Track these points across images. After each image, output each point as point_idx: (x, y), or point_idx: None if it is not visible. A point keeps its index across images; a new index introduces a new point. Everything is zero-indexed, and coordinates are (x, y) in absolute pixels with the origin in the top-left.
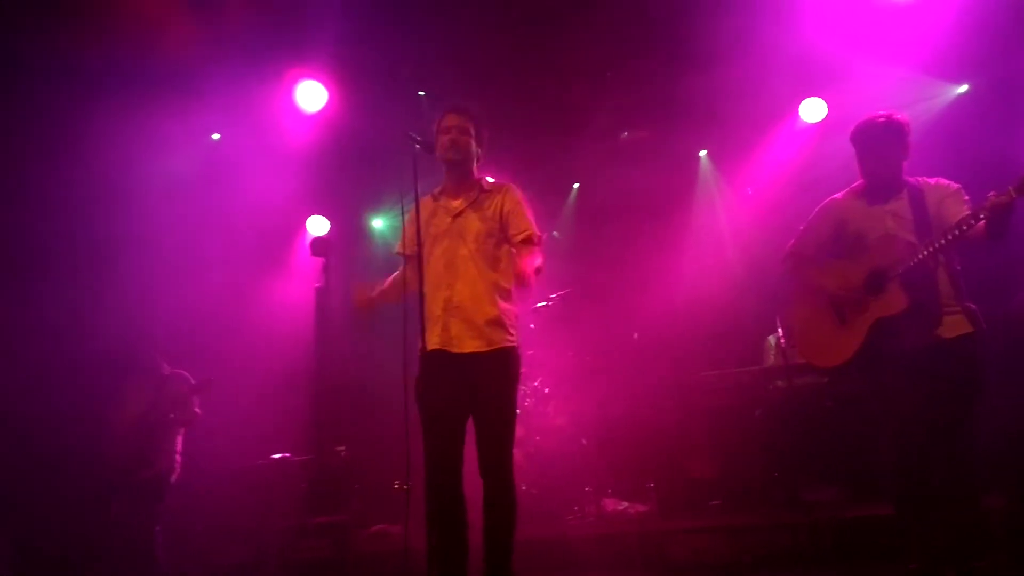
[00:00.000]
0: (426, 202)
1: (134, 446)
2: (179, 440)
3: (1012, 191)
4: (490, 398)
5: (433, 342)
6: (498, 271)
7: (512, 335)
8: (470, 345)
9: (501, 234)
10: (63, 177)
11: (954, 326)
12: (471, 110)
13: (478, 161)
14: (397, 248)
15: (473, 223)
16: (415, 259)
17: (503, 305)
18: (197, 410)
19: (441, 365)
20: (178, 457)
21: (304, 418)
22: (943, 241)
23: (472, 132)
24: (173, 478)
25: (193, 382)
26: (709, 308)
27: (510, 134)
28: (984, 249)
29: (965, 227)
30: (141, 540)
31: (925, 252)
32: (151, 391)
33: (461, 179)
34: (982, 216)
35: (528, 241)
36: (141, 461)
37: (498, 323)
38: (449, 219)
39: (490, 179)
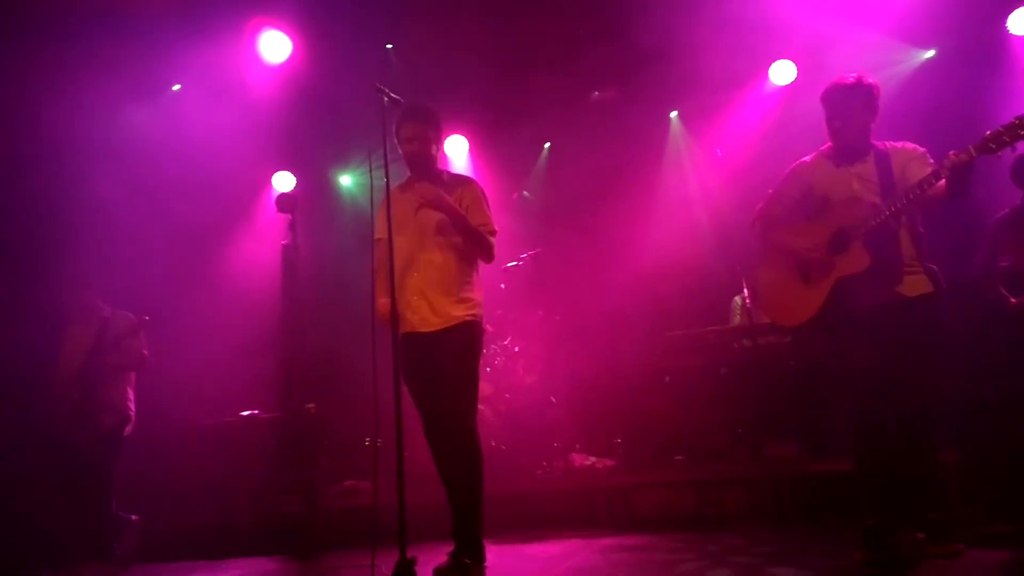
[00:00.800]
0: (394, 192)
1: (77, 400)
2: (129, 389)
3: (972, 150)
4: (452, 365)
5: (406, 326)
6: (458, 257)
7: (474, 310)
8: (434, 324)
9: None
10: (16, 132)
11: (916, 285)
12: (426, 114)
13: (438, 151)
14: (376, 234)
15: (432, 214)
16: (385, 242)
17: (464, 287)
18: (145, 352)
19: (414, 346)
20: (131, 405)
21: (273, 375)
22: (905, 200)
23: (430, 135)
24: (128, 430)
25: (135, 320)
26: (678, 268)
27: (481, 93)
28: (944, 209)
29: (926, 185)
30: (96, 510)
31: (888, 212)
32: (91, 337)
33: (423, 173)
34: (943, 174)
35: (486, 233)
36: (86, 416)
37: (460, 301)
38: (412, 211)
39: (452, 172)
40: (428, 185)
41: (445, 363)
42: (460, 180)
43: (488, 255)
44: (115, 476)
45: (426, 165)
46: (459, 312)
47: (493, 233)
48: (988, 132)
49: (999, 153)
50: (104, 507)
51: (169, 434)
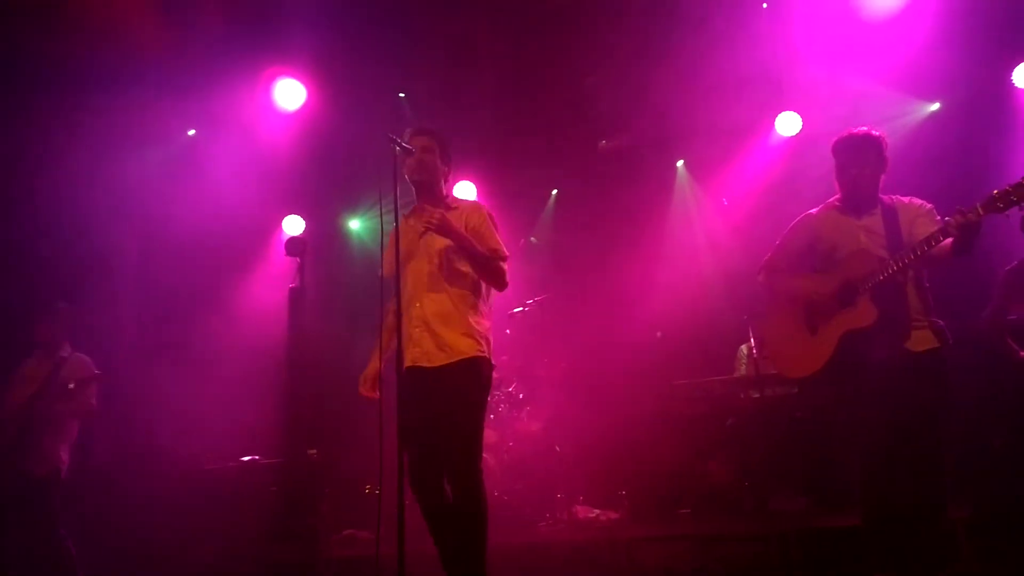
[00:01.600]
0: (401, 221)
1: (12, 436)
2: (65, 441)
3: (979, 208)
4: (456, 406)
5: (408, 359)
6: (465, 286)
7: (481, 344)
8: (439, 359)
9: None
10: (32, 173)
11: (922, 340)
12: (434, 130)
13: (446, 180)
14: (384, 271)
15: (438, 240)
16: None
17: (471, 319)
18: (93, 402)
19: (416, 382)
20: (64, 456)
21: (276, 420)
22: (912, 256)
23: (436, 151)
24: (61, 476)
25: (95, 370)
26: (683, 317)
27: (490, 140)
28: (951, 265)
29: (933, 242)
30: (44, 550)
31: (895, 267)
32: (42, 377)
33: (428, 198)
34: (950, 233)
35: (496, 258)
36: (18, 454)
37: (466, 335)
38: (416, 237)
39: (458, 197)
40: (434, 210)
41: (450, 402)
42: (467, 204)
43: (500, 282)
44: (62, 516)
45: (431, 182)
46: (465, 346)
47: (504, 258)
48: (995, 191)
49: (1007, 212)
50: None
51: (169, 477)
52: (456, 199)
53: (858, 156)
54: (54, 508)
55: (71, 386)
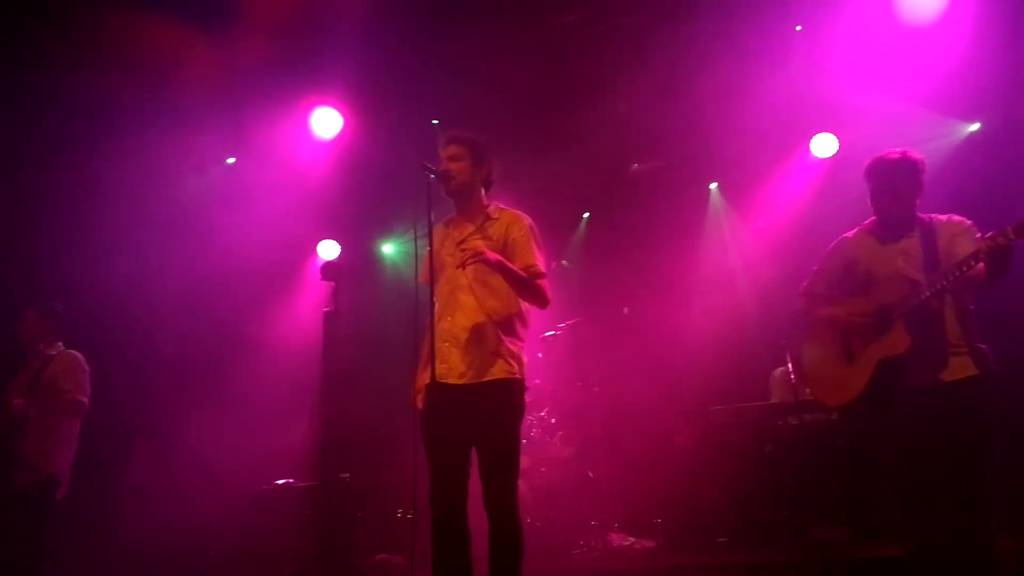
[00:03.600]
0: (438, 230)
1: None
2: (57, 443)
3: (1010, 232)
4: (489, 430)
5: (435, 374)
6: (499, 300)
7: (513, 366)
8: (468, 376)
9: (507, 258)
10: (82, 200)
11: (958, 368)
12: (465, 136)
13: (487, 187)
14: (421, 278)
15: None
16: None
17: (503, 336)
18: (83, 399)
19: (442, 397)
20: (57, 463)
21: (310, 443)
22: (945, 281)
23: (467, 158)
24: (59, 492)
25: (86, 366)
26: (719, 341)
27: (522, 163)
28: (989, 288)
29: (965, 267)
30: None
31: (928, 292)
32: (26, 377)
33: (466, 206)
34: (980, 257)
35: (532, 277)
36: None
37: (496, 354)
38: (453, 247)
39: (501, 206)
40: (474, 242)
41: (480, 427)
42: (509, 215)
43: (540, 301)
44: (48, 545)
45: (466, 190)
46: (495, 367)
47: (541, 276)
48: None
49: None
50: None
51: (205, 500)
52: (499, 208)
53: (891, 182)
54: (37, 523)
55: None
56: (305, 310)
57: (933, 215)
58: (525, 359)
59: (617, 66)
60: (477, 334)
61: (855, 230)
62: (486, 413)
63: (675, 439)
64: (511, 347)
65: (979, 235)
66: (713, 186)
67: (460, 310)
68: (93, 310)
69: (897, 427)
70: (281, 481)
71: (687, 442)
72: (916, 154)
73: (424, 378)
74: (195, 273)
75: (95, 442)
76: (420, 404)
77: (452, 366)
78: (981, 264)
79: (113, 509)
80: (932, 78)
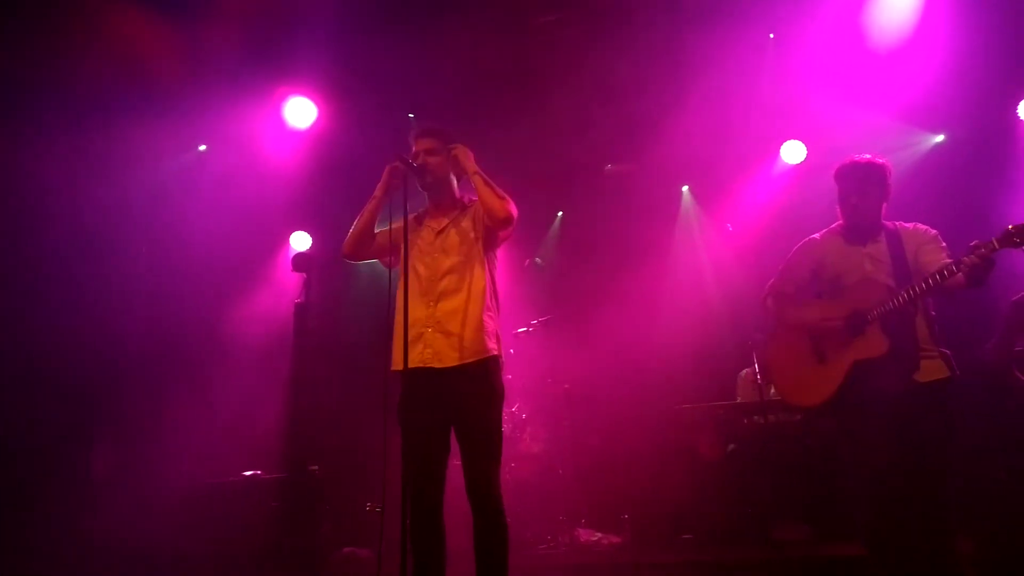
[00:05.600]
0: (412, 222)
1: None
2: None
3: (995, 243)
4: (472, 410)
5: (414, 360)
6: (479, 284)
7: (493, 345)
8: (451, 359)
9: (482, 243)
10: (46, 186)
11: (931, 370)
12: (439, 130)
13: (459, 179)
14: (397, 267)
15: (454, 237)
16: (398, 259)
17: (484, 317)
18: None
19: (422, 383)
20: None
21: (279, 435)
22: (923, 286)
23: (440, 151)
24: None
25: None
26: (688, 340)
27: (496, 160)
28: (959, 295)
29: (946, 274)
30: None
31: (905, 296)
32: None
33: (442, 200)
34: (962, 268)
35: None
36: None
37: (479, 333)
38: (432, 236)
39: (474, 198)
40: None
41: (466, 405)
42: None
43: (507, 207)
44: None
45: (440, 183)
46: (481, 345)
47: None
48: (1011, 226)
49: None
50: None
51: (170, 491)
52: (472, 200)
53: (859, 184)
54: None
55: None
56: (276, 301)
57: (899, 222)
58: (501, 337)
59: (592, 67)
60: (461, 317)
61: (822, 232)
62: (469, 395)
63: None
64: (490, 324)
65: (944, 244)
66: (685, 189)
67: (443, 295)
68: (56, 300)
69: (866, 427)
70: (248, 473)
71: (654, 440)
72: (883, 160)
73: (399, 364)
74: (163, 263)
75: (58, 433)
76: (396, 392)
77: (436, 350)
78: (962, 275)
79: (75, 501)
80: (900, 90)
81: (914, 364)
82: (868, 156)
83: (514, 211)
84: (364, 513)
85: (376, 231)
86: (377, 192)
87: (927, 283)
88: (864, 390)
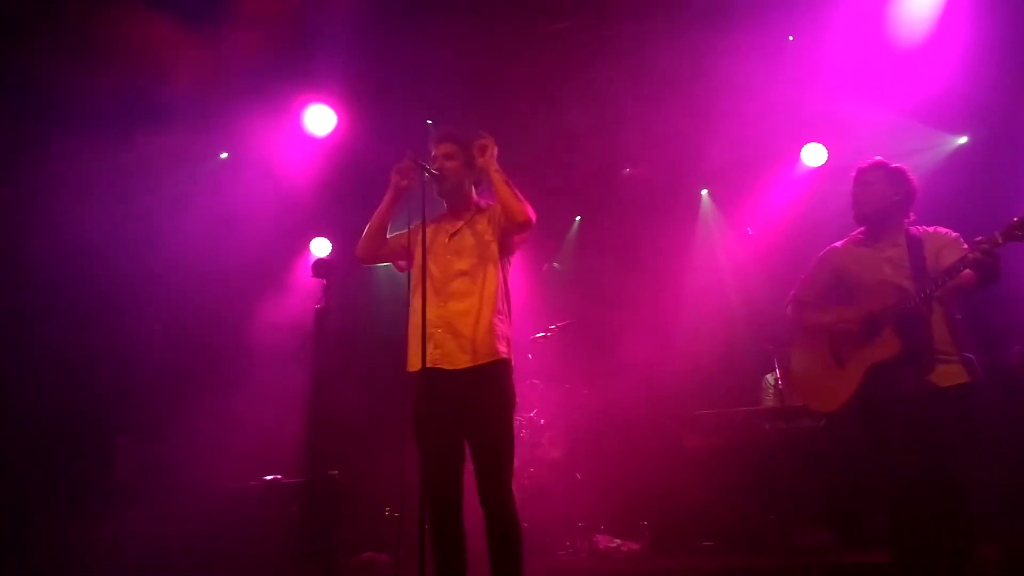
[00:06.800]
0: (429, 226)
1: None
2: None
3: (999, 236)
4: (483, 413)
5: (427, 360)
6: (491, 288)
7: (504, 348)
8: (462, 361)
9: (497, 246)
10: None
11: (950, 375)
12: (457, 135)
13: (476, 185)
14: (412, 267)
15: (468, 239)
16: (412, 262)
17: (495, 320)
18: None
19: (435, 384)
20: None
21: (299, 440)
22: (933, 286)
23: (458, 156)
24: None
25: None
26: (707, 345)
27: (515, 164)
28: (977, 295)
29: (954, 272)
30: None
31: (917, 297)
32: None
33: (457, 203)
34: (968, 263)
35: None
36: None
37: (489, 336)
38: (446, 238)
39: (490, 202)
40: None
41: (476, 408)
42: (496, 207)
43: (526, 210)
44: None
45: (457, 188)
46: (491, 348)
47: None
48: (1015, 219)
49: None
50: None
51: (191, 495)
52: (488, 203)
53: (863, 175)
54: None
55: None
56: (296, 307)
57: (920, 226)
58: (512, 335)
59: (611, 71)
60: (471, 319)
61: (844, 241)
62: (479, 398)
63: (662, 443)
64: (500, 327)
65: (966, 246)
66: (704, 192)
67: (454, 296)
68: (81, 306)
69: (885, 432)
70: (269, 477)
71: (674, 446)
72: (898, 164)
73: (415, 365)
74: (185, 269)
75: (81, 438)
76: (412, 394)
77: (446, 351)
78: (970, 271)
79: (99, 503)
80: (921, 91)
81: (927, 366)
82: (882, 159)
83: (532, 215)
84: (383, 518)
85: (391, 235)
86: (388, 194)
87: (938, 282)
88: (882, 393)
